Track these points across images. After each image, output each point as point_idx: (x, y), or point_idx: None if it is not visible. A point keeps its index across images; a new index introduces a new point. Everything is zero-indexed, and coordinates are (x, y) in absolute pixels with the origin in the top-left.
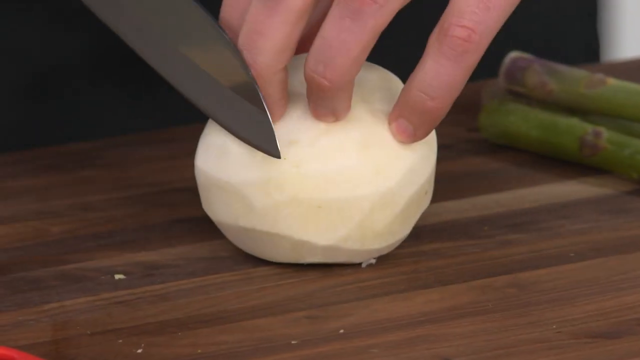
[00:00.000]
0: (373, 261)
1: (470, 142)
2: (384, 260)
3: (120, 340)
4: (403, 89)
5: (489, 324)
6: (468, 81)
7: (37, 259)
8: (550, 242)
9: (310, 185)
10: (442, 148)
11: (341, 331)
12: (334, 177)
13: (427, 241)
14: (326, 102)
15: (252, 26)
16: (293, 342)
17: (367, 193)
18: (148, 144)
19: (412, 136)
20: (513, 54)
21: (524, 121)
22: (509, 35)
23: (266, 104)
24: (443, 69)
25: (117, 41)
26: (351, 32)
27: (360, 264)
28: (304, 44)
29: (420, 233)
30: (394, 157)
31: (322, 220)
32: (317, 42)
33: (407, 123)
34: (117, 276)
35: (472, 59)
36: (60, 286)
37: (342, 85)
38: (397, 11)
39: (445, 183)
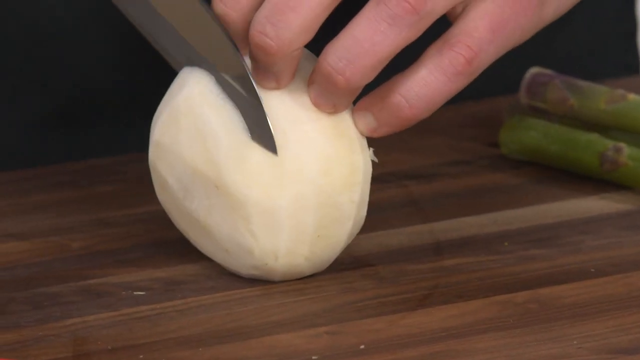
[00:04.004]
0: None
1: (491, 158)
2: (405, 275)
3: (141, 356)
4: (382, 87)
5: (510, 339)
6: (487, 96)
7: (57, 275)
8: (571, 258)
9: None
10: (462, 164)
11: (362, 347)
12: None
13: (447, 257)
14: (333, 97)
15: (284, 0)
16: (314, 357)
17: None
18: None
19: (373, 132)
20: (534, 70)
21: (545, 137)
22: (546, 53)
23: (277, 78)
24: (435, 82)
25: (135, 66)
26: (385, 37)
27: (379, 279)
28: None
29: (441, 248)
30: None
31: None
32: (345, 39)
33: (372, 119)
34: (137, 292)
35: (464, 82)
36: (81, 302)
37: (358, 86)
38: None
39: (466, 198)
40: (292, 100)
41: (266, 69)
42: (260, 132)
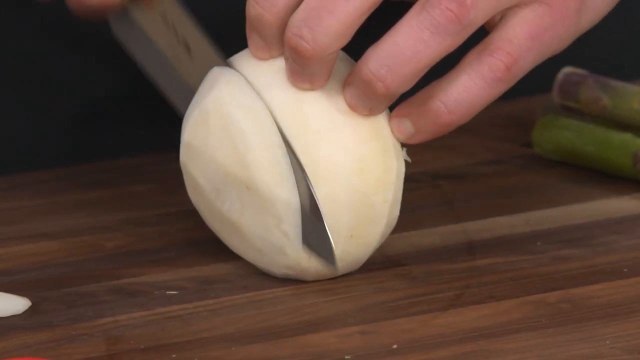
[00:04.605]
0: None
1: (524, 158)
2: (437, 275)
3: (174, 355)
4: (421, 94)
5: (542, 339)
6: (521, 96)
7: (90, 274)
8: (604, 258)
9: None
10: (495, 163)
11: (394, 346)
12: None
13: (480, 256)
14: (370, 102)
15: (322, 3)
16: (346, 357)
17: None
18: None
19: (409, 138)
20: (567, 69)
21: (578, 136)
22: (578, 53)
23: (311, 80)
24: (475, 88)
25: None
26: (427, 45)
27: (411, 279)
28: None
29: (473, 248)
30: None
31: None
32: (387, 45)
33: (410, 125)
34: (169, 292)
35: (502, 88)
36: (114, 301)
37: (397, 93)
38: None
39: (499, 198)
40: (327, 100)
41: (301, 70)
42: (318, 241)
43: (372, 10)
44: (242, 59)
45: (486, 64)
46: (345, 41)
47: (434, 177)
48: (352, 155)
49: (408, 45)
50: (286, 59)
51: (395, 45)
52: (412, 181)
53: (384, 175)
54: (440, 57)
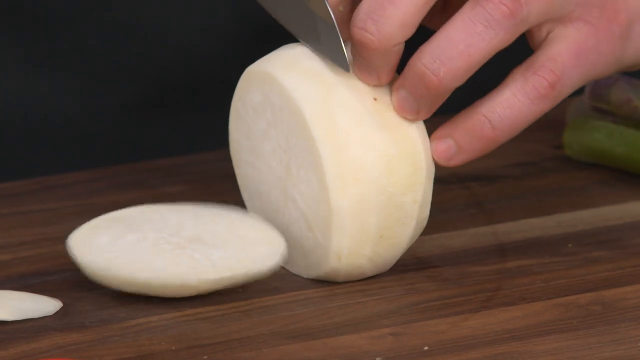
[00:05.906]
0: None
1: (555, 159)
2: (468, 277)
3: (205, 357)
4: (463, 112)
5: (573, 341)
6: None
7: None
8: (635, 260)
9: None
10: (526, 165)
11: (425, 348)
12: None
13: (511, 258)
14: (420, 100)
15: None
16: (377, 358)
17: None
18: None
19: (451, 159)
20: None
21: (609, 138)
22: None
23: (378, 74)
24: (518, 104)
25: (205, 66)
26: (481, 39)
27: (442, 280)
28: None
29: (504, 250)
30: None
31: None
32: (441, 40)
33: (452, 144)
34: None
35: (547, 106)
36: (145, 302)
37: (449, 88)
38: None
39: (530, 200)
40: (356, 101)
41: (368, 65)
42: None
43: (434, 1)
44: (270, 61)
45: (530, 82)
46: (409, 32)
47: (464, 178)
48: (381, 156)
49: (461, 39)
50: (353, 55)
51: (448, 39)
52: (443, 183)
53: (413, 176)
54: (492, 52)
